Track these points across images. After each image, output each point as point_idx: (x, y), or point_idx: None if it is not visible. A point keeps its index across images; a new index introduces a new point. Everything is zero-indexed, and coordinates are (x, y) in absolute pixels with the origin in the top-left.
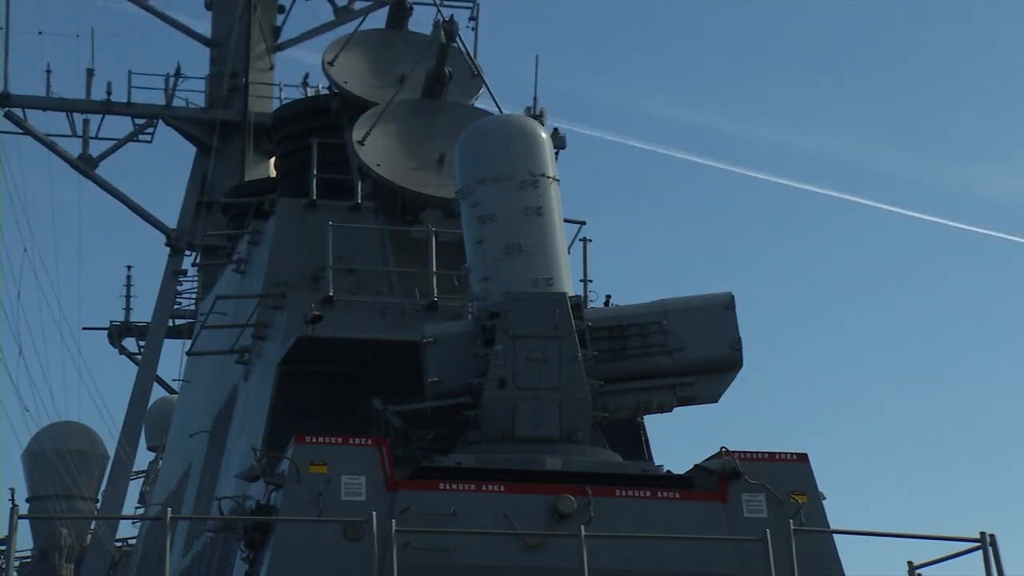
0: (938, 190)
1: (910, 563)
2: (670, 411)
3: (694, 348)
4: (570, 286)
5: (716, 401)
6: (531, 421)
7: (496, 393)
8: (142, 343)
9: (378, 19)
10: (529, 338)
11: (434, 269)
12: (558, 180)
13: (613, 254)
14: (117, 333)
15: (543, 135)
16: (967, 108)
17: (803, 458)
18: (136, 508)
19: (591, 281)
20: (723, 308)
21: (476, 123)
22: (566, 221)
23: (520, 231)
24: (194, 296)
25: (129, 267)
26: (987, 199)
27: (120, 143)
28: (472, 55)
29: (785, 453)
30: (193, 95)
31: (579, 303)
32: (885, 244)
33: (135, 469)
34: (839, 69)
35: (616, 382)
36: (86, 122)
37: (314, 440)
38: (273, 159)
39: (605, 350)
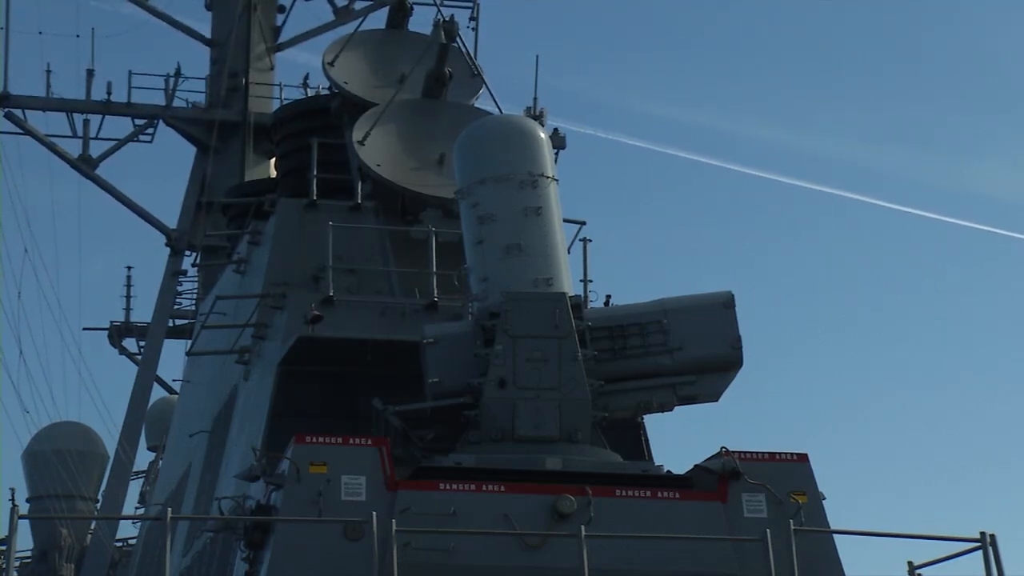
0: (938, 187)
1: (910, 563)
2: (671, 410)
3: (694, 347)
4: (570, 286)
5: (717, 400)
6: (531, 421)
7: (496, 393)
8: (142, 343)
9: (378, 19)
10: (529, 338)
11: (434, 269)
12: (557, 180)
13: (613, 254)
14: (117, 333)
15: (542, 135)
16: (965, 105)
17: (803, 458)
18: (136, 508)
19: (591, 281)
20: (723, 307)
21: (475, 123)
22: (566, 221)
23: (520, 231)
24: (194, 296)
25: (129, 267)
26: (987, 196)
27: (120, 143)
28: (472, 55)
29: (785, 453)
30: (193, 95)
31: (579, 303)
32: (886, 242)
33: (135, 469)
34: (839, 68)
35: (616, 382)
36: (86, 122)
37: (314, 440)
38: (273, 159)
39: (605, 350)
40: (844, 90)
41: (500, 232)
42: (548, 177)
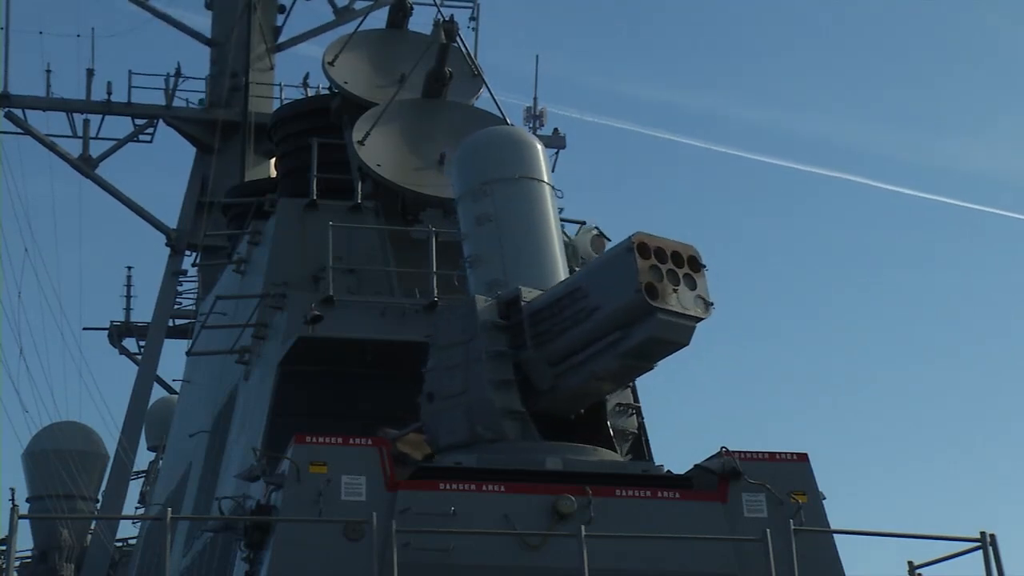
0: (944, 169)
1: (910, 563)
2: (649, 369)
3: (606, 303)
4: (552, 280)
5: (682, 343)
6: (448, 429)
7: (427, 407)
8: (142, 343)
9: (378, 19)
10: (449, 347)
11: (434, 269)
12: (529, 177)
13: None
14: (117, 333)
15: (502, 138)
16: (946, 82)
17: (803, 458)
18: (136, 508)
19: None
20: (625, 252)
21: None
22: (566, 221)
23: (475, 241)
24: (194, 296)
25: (129, 267)
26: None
27: (120, 143)
28: (472, 55)
29: (785, 453)
30: (193, 95)
31: (515, 298)
32: (889, 236)
33: (135, 469)
34: (833, 53)
35: (564, 360)
36: (86, 122)
37: (314, 440)
38: (273, 159)
39: (548, 331)
40: (839, 74)
41: (467, 248)
42: (508, 179)
